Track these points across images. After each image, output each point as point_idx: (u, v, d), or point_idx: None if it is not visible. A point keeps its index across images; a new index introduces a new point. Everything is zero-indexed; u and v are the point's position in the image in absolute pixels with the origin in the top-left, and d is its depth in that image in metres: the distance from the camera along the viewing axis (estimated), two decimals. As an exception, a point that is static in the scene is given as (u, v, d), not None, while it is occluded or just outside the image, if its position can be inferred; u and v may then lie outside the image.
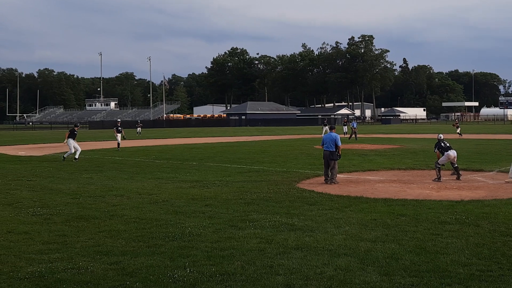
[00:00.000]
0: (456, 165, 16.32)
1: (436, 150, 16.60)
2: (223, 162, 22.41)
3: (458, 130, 45.71)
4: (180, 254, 7.69)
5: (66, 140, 24.01)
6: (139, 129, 58.91)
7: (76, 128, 24.60)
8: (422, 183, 15.57)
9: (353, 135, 41.39)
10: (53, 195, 13.55)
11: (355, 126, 42.21)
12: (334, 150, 15.78)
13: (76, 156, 23.28)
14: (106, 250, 7.98)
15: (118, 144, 31.06)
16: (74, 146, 23.60)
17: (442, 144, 16.42)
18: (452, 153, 16.17)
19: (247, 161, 22.78)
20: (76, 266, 7.13)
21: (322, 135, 33.28)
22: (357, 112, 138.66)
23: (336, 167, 15.88)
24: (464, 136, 44.75)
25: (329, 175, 15.64)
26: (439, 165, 16.11)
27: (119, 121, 35.66)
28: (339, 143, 15.93)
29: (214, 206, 11.56)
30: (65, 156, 23.61)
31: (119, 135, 31.40)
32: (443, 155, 16.19)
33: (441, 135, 16.90)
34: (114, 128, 32.48)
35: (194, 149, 31.26)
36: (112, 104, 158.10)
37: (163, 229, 9.36)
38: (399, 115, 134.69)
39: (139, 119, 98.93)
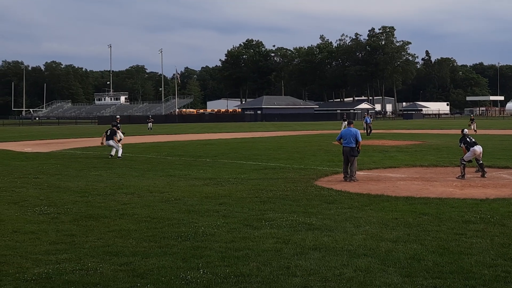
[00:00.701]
0: (481, 161, 16.09)
1: (461, 145, 16.34)
2: (238, 158, 22.28)
3: (473, 127, 45.15)
4: (193, 255, 7.57)
5: (116, 142, 23.61)
6: (150, 124, 58.51)
7: (114, 128, 24.44)
8: (445, 180, 15.37)
9: (368, 130, 41.00)
10: (61, 193, 13.42)
11: (368, 121, 41.80)
12: (355, 146, 15.50)
13: (112, 153, 23.15)
14: (116, 250, 7.86)
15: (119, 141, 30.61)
16: (114, 144, 23.48)
17: (468, 139, 16.20)
18: (478, 148, 15.94)
19: (262, 157, 22.62)
20: (84, 267, 7.03)
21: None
22: (378, 107, 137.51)
23: (356, 164, 15.67)
24: (490, 131, 44.24)
25: (349, 173, 15.36)
26: (465, 161, 15.84)
27: (118, 118, 35.18)
28: (360, 139, 15.75)
29: (229, 205, 11.42)
30: (119, 155, 23.12)
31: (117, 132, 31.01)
32: (468, 151, 15.91)
33: (466, 130, 16.79)
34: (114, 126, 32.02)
35: (208, 145, 31.17)
36: (122, 98, 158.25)
37: (175, 228, 9.23)
38: (422, 110, 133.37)
39: (150, 114, 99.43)
